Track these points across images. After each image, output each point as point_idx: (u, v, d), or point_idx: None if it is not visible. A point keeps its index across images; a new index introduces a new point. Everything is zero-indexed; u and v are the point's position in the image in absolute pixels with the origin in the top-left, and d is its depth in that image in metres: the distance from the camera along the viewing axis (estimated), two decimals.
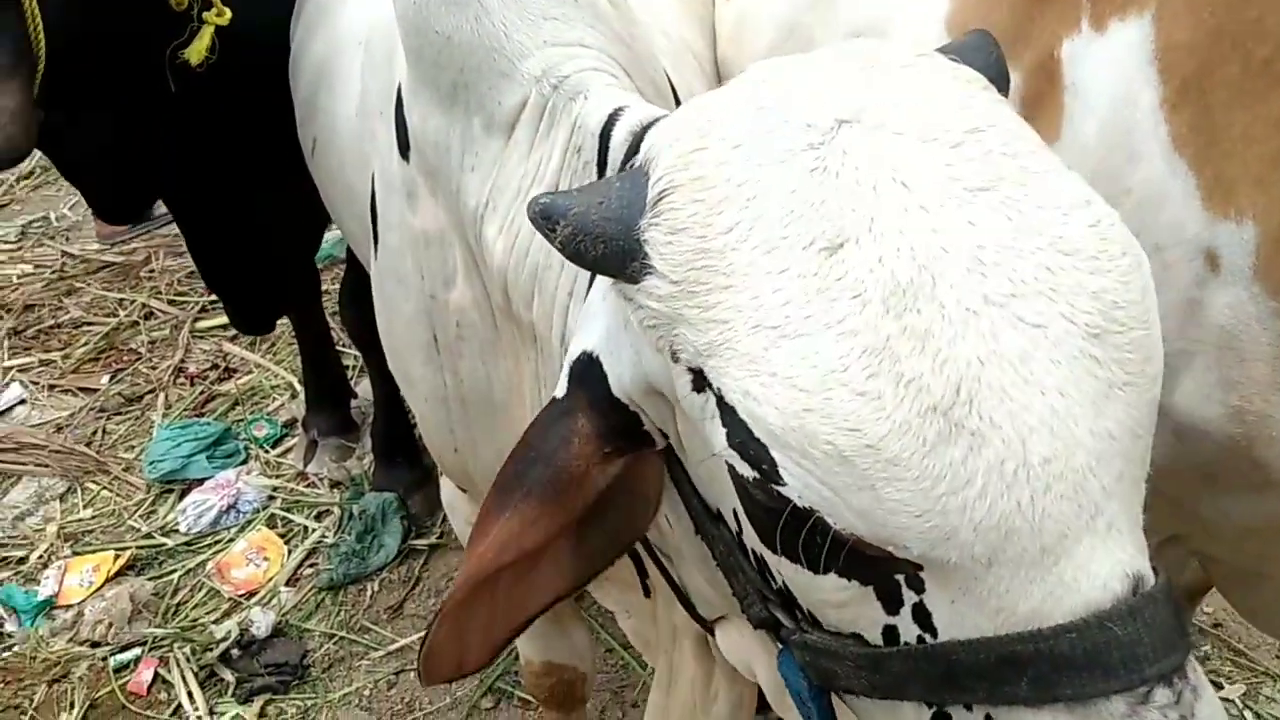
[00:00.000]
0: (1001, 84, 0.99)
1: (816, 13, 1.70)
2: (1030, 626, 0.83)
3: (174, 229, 4.42)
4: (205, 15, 2.15)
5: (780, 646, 1.06)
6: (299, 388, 3.78)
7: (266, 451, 3.62)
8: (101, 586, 3.14)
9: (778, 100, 0.93)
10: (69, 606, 3.10)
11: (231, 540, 3.29)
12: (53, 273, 4.57)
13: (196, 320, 4.25)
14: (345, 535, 3.24)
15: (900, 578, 0.88)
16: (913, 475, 0.80)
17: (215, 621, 3.03)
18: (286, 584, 3.16)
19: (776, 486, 0.86)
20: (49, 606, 3.11)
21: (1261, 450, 1.22)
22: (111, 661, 2.94)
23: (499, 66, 1.22)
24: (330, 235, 3.57)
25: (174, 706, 2.82)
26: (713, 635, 1.56)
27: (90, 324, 4.28)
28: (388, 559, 3.18)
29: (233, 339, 4.11)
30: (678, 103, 1.49)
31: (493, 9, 1.22)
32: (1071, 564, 0.82)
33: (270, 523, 3.35)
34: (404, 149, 1.44)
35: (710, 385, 0.89)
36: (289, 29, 2.37)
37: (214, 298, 4.22)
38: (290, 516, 3.37)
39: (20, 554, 3.31)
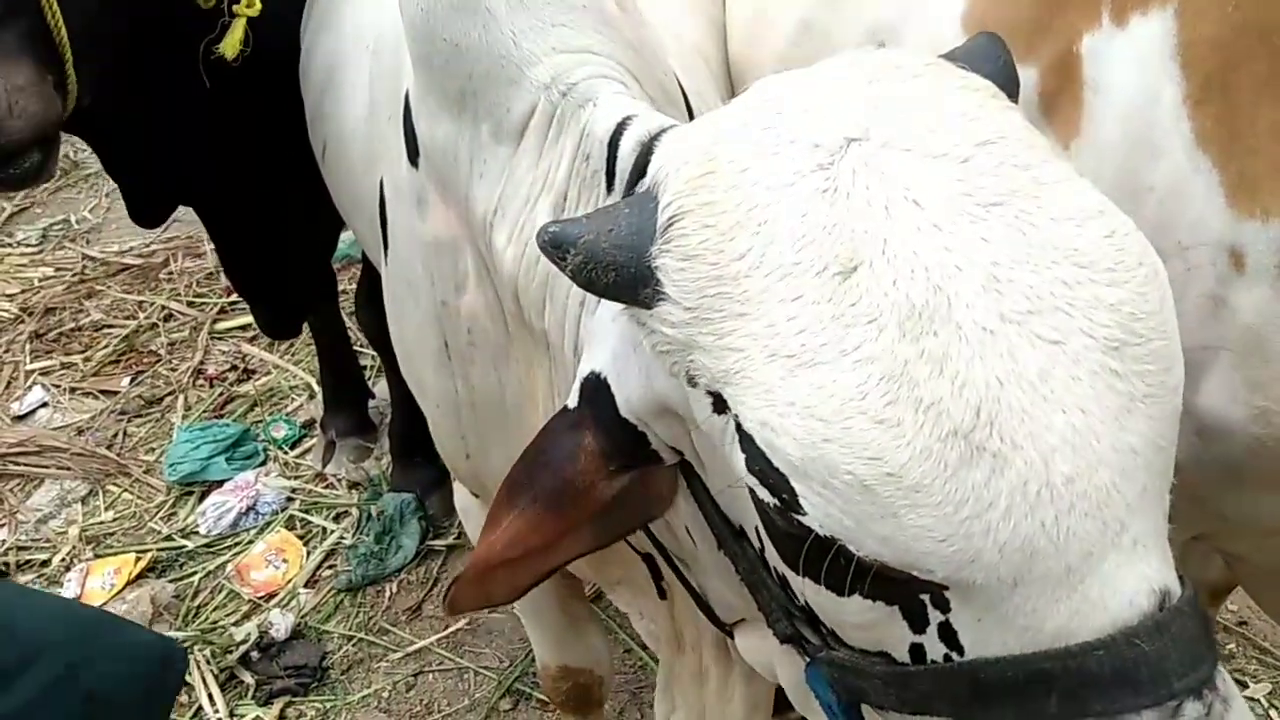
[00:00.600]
0: (1011, 89, 0.97)
1: (833, 10, 1.68)
2: (1057, 644, 0.82)
3: (188, 230, 4.46)
4: (235, 8, 2.15)
5: (807, 660, 1.05)
6: (317, 388, 3.80)
7: (285, 452, 3.64)
8: (123, 589, 3.16)
9: (784, 119, 0.92)
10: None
11: (251, 542, 3.31)
12: (73, 275, 4.60)
13: (215, 322, 4.27)
14: (364, 536, 3.25)
15: (925, 598, 0.87)
16: (935, 501, 0.80)
17: (235, 624, 3.05)
18: (305, 586, 3.17)
19: (797, 515, 0.85)
20: None
21: None
22: None
23: (507, 74, 1.22)
24: (346, 235, 3.58)
25: (195, 709, 2.83)
26: (731, 639, 1.56)
27: (110, 326, 4.31)
28: (406, 560, 3.19)
29: (251, 340, 4.13)
30: (688, 105, 1.48)
31: (501, 16, 1.21)
32: (1097, 582, 0.82)
33: (289, 524, 3.37)
34: (413, 156, 1.43)
35: (730, 409, 0.89)
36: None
37: (233, 299, 4.25)
38: (309, 518, 3.39)
39: (43, 557, 3.33)
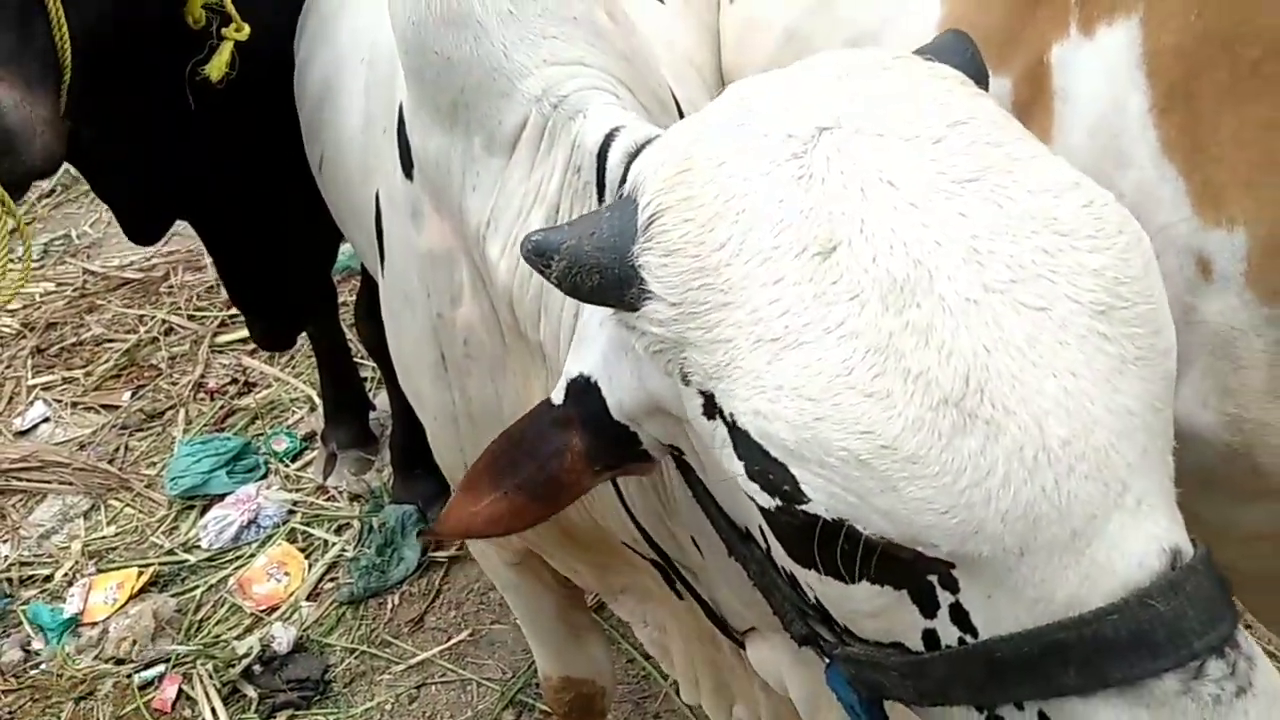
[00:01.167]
0: (980, 81, 0.98)
1: (816, 19, 1.70)
2: (1070, 613, 0.81)
3: (189, 244, 4.47)
4: (224, 31, 2.16)
5: (827, 661, 1.05)
6: (318, 401, 3.80)
7: (286, 465, 3.64)
8: (125, 603, 3.17)
9: (757, 115, 0.93)
10: (94, 624, 3.13)
11: (252, 556, 3.31)
12: (74, 290, 4.61)
13: (216, 335, 4.27)
14: (365, 549, 3.25)
15: (933, 579, 0.86)
16: (933, 471, 0.80)
17: (237, 637, 3.05)
18: (307, 599, 3.17)
19: (801, 506, 0.85)
20: (74, 624, 3.14)
21: (1260, 458, 1.20)
22: (136, 679, 2.96)
23: (498, 86, 1.22)
24: (346, 247, 3.58)
25: None
26: (743, 649, 1.55)
27: (111, 341, 4.32)
28: (408, 572, 3.19)
29: (252, 353, 4.13)
30: (681, 114, 1.48)
31: (492, 29, 1.21)
32: (1104, 545, 0.81)
33: (290, 537, 3.37)
34: (407, 168, 1.44)
35: (721, 412, 0.88)
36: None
37: (233, 312, 4.25)
38: (310, 531, 3.39)
39: (46, 572, 3.34)
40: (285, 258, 2.86)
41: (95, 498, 3.59)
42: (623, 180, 1.10)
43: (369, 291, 3.27)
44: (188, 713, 2.87)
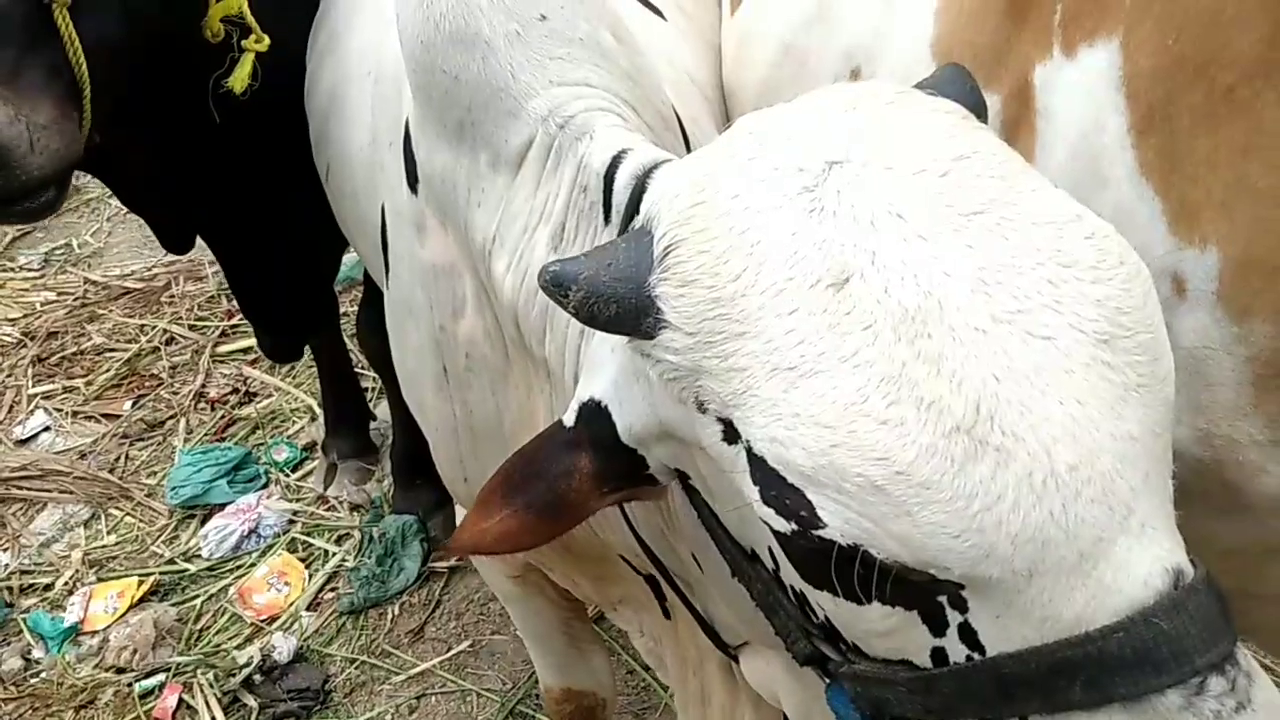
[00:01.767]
0: (979, 113, 1.01)
1: (811, 35, 1.72)
2: (1077, 631, 0.84)
3: (190, 254, 4.47)
4: (244, 43, 2.18)
5: (828, 680, 1.06)
6: (318, 411, 3.81)
7: (287, 475, 3.64)
8: (126, 613, 3.17)
9: (768, 149, 0.95)
10: (94, 633, 3.13)
11: (253, 565, 3.31)
12: (75, 300, 4.62)
13: (217, 345, 4.28)
14: (365, 559, 3.26)
15: (943, 599, 0.89)
16: (946, 496, 0.82)
17: (238, 647, 3.05)
18: (308, 608, 3.17)
19: (817, 531, 0.87)
20: (75, 633, 3.14)
21: (1230, 474, 1.22)
22: (137, 688, 2.96)
23: (505, 106, 1.24)
24: (348, 258, 3.60)
25: None
26: (736, 663, 1.56)
27: (112, 350, 4.32)
28: (408, 582, 3.19)
29: (253, 363, 4.14)
30: (684, 132, 1.50)
31: (499, 49, 1.23)
32: (1110, 566, 0.83)
33: (291, 547, 3.37)
34: (412, 183, 1.45)
35: (741, 438, 0.90)
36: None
37: (234, 322, 4.27)
38: (311, 541, 3.39)
39: (46, 581, 3.34)
40: (300, 269, 2.87)
41: (96, 507, 3.59)
42: (631, 203, 1.12)
43: (370, 302, 3.28)
44: None
